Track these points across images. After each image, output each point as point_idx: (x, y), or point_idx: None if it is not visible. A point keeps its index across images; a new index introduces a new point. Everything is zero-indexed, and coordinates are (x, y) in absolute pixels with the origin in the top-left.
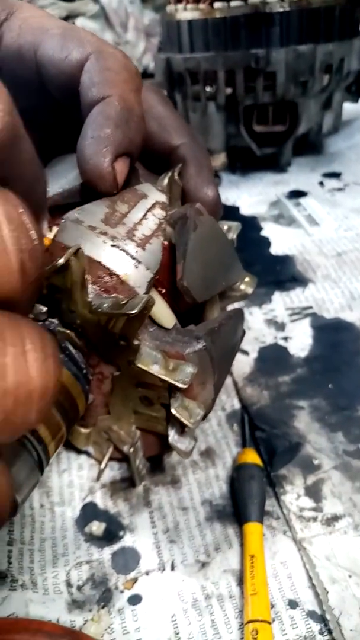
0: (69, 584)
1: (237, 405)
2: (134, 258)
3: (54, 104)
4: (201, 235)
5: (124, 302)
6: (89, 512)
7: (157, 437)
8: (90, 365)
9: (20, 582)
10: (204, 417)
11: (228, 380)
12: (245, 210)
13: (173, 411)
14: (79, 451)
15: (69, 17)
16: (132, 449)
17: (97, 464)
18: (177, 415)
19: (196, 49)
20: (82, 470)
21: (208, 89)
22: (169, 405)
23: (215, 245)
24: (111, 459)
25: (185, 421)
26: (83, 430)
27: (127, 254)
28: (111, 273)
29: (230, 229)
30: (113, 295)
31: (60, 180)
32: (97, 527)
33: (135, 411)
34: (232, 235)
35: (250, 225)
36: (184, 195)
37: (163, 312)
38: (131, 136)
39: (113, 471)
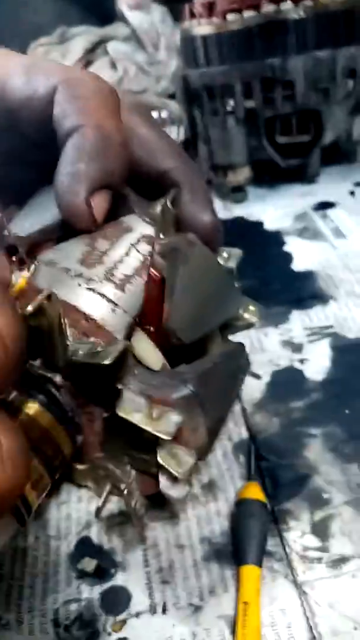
0: (56, 624)
1: (244, 434)
2: (110, 301)
3: (32, 143)
4: (192, 270)
5: (100, 349)
6: (84, 547)
7: (153, 477)
8: (79, 405)
9: (4, 622)
10: (198, 462)
11: (236, 407)
12: (269, 225)
13: (160, 460)
14: (79, 485)
15: (101, 42)
16: (126, 491)
17: (96, 496)
18: (164, 464)
19: (211, 63)
20: (81, 503)
21: (232, 103)
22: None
23: (209, 279)
24: (110, 493)
25: (173, 471)
26: (80, 467)
27: (104, 297)
28: (87, 317)
29: (231, 257)
30: (91, 339)
31: (42, 215)
32: (89, 564)
33: (128, 453)
34: (232, 264)
35: (273, 240)
36: (179, 222)
37: (149, 353)
38: (109, 167)
39: (111, 504)
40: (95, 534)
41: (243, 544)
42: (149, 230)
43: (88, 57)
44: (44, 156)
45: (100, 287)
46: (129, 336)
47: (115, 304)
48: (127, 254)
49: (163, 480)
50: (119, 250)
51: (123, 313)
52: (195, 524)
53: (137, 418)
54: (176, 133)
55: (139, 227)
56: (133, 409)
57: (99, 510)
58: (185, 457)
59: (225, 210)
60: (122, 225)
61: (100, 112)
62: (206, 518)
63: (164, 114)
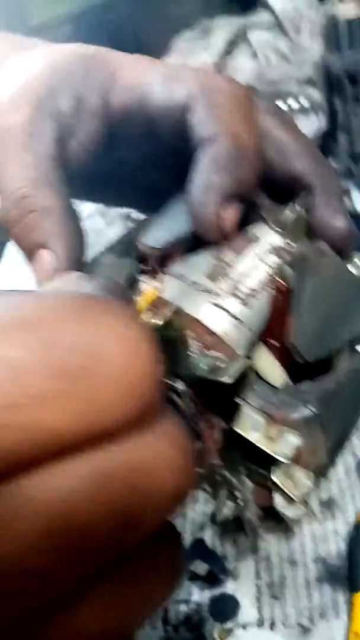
0: (165, 622)
1: None
2: (234, 317)
3: (168, 149)
4: (321, 282)
5: (221, 365)
6: (197, 549)
7: (269, 490)
8: (200, 412)
9: None
10: (317, 481)
11: None
12: None
13: (276, 480)
14: (196, 486)
15: (242, 31)
16: (242, 501)
17: (212, 499)
18: (281, 485)
19: (356, 46)
20: (197, 504)
21: None
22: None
23: (339, 292)
24: (226, 498)
25: (289, 492)
26: (197, 469)
27: (228, 312)
28: (210, 332)
29: None
30: (213, 353)
31: (174, 226)
32: (201, 567)
33: (245, 464)
34: None
35: None
36: (311, 228)
37: (271, 369)
38: (242, 176)
39: (226, 509)
40: (209, 537)
41: (359, 570)
42: (278, 240)
43: (229, 48)
44: (178, 162)
45: (224, 302)
46: (251, 352)
47: (240, 320)
48: (254, 266)
49: (278, 500)
50: (245, 262)
51: (246, 329)
52: (310, 542)
53: (254, 436)
54: (316, 121)
55: (268, 237)
56: (251, 426)
57: (214, 515)
58: (302, 479)
59: None
60: (250, 236)
61: (235, 119)
62: (322, 537)
63: (304, 102)
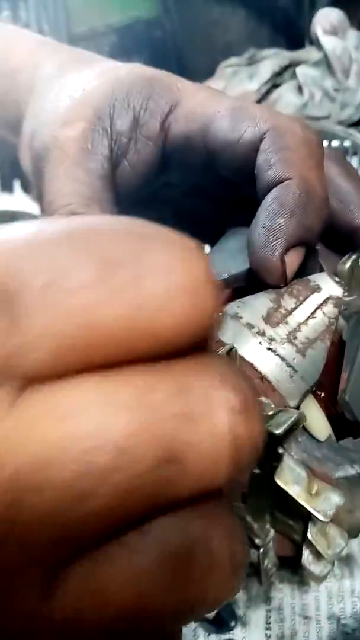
0: None
1: None
2: (290, 366)
3: (223, 181)
4: None
5: (271, 413)
6: None
7: (292, 541)
8: None
9: None
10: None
11: None
12: None
13: (310, 537)
14: None
15: (290, 66)
16: (262, 549)
17: None
18: (314, 542)
19: None
20: None
21: None
22: (307, 526)
23: None
24: None
25: (321, 550)
26: None
27: (283, 360)
28: (263, 378)
29: None
30: (262, 399)
31: (229, 262)
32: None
33: (271, 512)
34: None
35: None
36: None
37: (317, 422)
38: (308, 224)
39: None
40: None
41: None
42: (337, 291)
43: (275, 80)
44: (232, 192)
45: (281, 349)
46: (300, 403)
47: (295, 369)
48: (312, 315)
49: (306, 555)
50: (304, 310)
51: (300, 379)
52: (325, 597)
53: (295, 491)
54: (357, 164)
55: (327, 287)
56: (292, 479)
57: None
58: (337, 539)
59: None
60: (310, 284)
61: (306, 165)
62: (338, 594)
63: (347, 144)
